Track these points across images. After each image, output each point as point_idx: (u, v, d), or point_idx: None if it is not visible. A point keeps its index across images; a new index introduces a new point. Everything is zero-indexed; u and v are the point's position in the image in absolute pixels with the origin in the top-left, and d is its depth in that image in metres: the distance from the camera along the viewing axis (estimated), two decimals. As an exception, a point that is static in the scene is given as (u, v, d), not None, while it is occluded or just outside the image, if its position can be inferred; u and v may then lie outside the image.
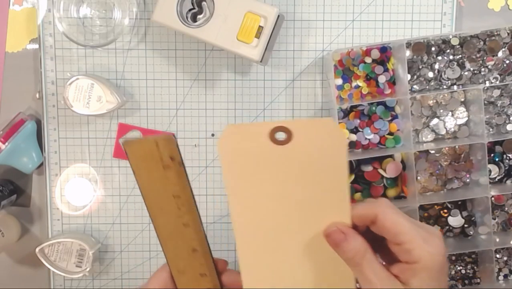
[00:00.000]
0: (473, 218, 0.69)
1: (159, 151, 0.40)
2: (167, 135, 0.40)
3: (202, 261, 0.44)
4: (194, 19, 0.59)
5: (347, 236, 0.39)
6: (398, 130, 0.67)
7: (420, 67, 0.67)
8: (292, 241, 0.41)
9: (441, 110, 0.68)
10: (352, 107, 0.67)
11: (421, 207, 0.68)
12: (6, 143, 0.64)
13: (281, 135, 0.38)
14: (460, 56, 0.66)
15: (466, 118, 0.68)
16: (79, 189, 0.69)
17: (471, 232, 0.69)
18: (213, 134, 0.68)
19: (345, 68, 0.67)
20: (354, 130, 0.67)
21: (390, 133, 0.67)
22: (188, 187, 0.42)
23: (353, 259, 0.39)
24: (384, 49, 0.66)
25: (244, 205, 0.40)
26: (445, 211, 0.69)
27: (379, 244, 0.41)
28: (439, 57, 0.66)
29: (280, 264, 0.42)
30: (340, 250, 0.40)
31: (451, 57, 0.66)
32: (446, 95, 0.68)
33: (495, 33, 0.66)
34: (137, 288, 0.44)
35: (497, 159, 0.68)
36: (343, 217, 0.40)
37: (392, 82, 0.67)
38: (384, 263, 0.42)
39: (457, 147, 0.68)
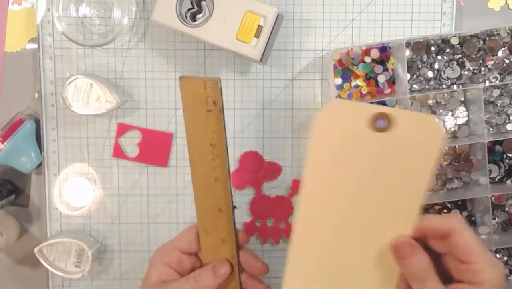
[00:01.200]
0: (473, 218, 0.69)
1: (206, 91, 0.41)
2: (214, 78, 0.41)
3: (225, 224, 0.45)
4: (194, 18, 0.59)
5: (414, 250, 0.39)
6: (397, 130, 0.67)
7: (420, 66, 0.66)
8: (351, 239, 0.39)
9: (441, 110, 0.68)
10: (352, 107, 0.67)
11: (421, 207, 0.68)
12: (5, 143, 0.64)
13: (380, 123, 0.37)
14: (460, 55, 0.66)
15: (466, 118, 0.68)
16: (78, 189, 0.69)
17: (471, 232, 0.69)
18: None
19: (345, 67, 0.67)
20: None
21: (390, 133, 0.67)
22: (223, 137, 0.43)
23: (416, 274, 0.38)
24: (384, 49, 0.66)
25: (319, 185, 0.39)
26: (445, 211, 0.69)
27: (434, 261, 0.40)
28: (439, 57, 0.66)
29: (331, 259, 0.40)
30: (404, 263, 0.39)
31: (450, 56, 0.66)
32: (446, 94, 0.68)
33: (495, 33, 0.66)
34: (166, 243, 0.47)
35: (497, 159, 0.68)
36: (407, 226, 0.38)
37: (391, 81, 0.67)
38: None
39: (457, 146, 0.68)
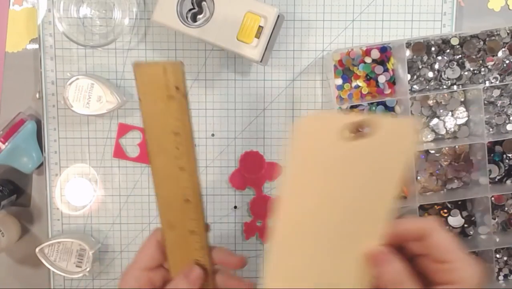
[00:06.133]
0: (473, 218, 0.69)
1: (166, 77, 0.38)
2: (175, 61, 0.38)
3: (193, 215, 0.42)
4: (194, 19, 0.59)
5: (389, 257, 0.39)
6: (398, 130, 0.67)
7: (420, 67, 0.67)
8: (329, 244, 0.40)
9: (441, 110, 0.68)
10: (352, 107, 0.67)
11: (421, 207, 0.68)
12: (6, 144, 0.64)
13: (357, 130, 0.37)
14: (460, 56, 0.66)
15: (466, 118, 0.68)
16: (79, 189, 0.69)
17: (471, 232, 0.69)
18: (213, 134, 0.68)
19: (345, 68, 0.67)
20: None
21: (390, 133, 0.67)
22: (188, 124, 0.40)
23: (391, 280, 0.38)
24: (384, 49, 0.66)
25: (295, 194, 0.39)
26: (445, 211, 0.69)
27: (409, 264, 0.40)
28: (439, 57, 0.66)
29: (308, 263, 0.41)
30: (380, 271, 0.39)
31: (451, 57, 0.66)
32: (446, 95, 0.68)
33: (495, 33, 0.66)
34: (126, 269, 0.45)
35: (497, 159, 0.68)
36: (381, 230, 0.39)
37: (392, 82, 0.67)
38: None
39: (457, 146, 0.68)
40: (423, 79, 0.67)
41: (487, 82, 0.67)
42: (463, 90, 0.67)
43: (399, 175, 0.38)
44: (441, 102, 0.68)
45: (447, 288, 0.39)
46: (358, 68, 0.66)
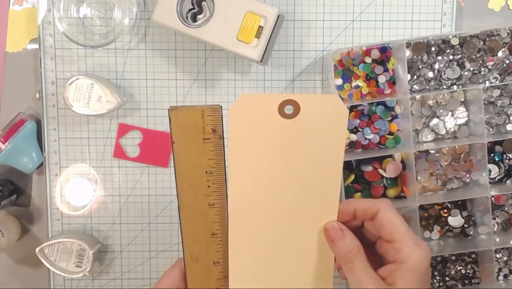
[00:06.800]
0: (473, 218, 0.69)
1: (204, 121, 0.39)
2: (214, 105, 0.39)
3: (219, 247, 0.43)
4: (194, 19, 0.59)
5: (344, 233, 0.41)
6: (398, 130, 0.67)
7: (420, 67, 0.67)
8: (284, 226, 0.41)
9: (441, 110, 0.68)
10: (352, 107, 0.67)
11: (421, 207, 0.68)
12: (6, 144, 0.64)
13: (289, 109, 0.39)
14: (460, 56, 0.66)
15: (466, 118, 0.68)
16: (79, 189, 0.69)
17: (471, 232, 0.69)
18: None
19: (345, 68, 0.67)
20: (354, 130, 0.67)
21: (390, 133, 0.67)
22: (223, 162, 0.41)
23: (345, 256, 0.40)
24: (384, 49, 0.66)
25: (243, 177, 0.40)
26: (445, 211, 0.69)
27: (367, 249, 0.42)
28: (439, 57, 0.66)
29: (267, 245, 0.42)
30: (335, 246, 0.41)
31: (451, 57, 0.66)
32: (446, 95, 0.68)
33: (495, 33, 0.66)
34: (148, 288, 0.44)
35: (497, 159, 0.68)
36: (333, 205, 0.41)
37: (392, 82, 0.67)
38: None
39: (457, 146, 0.68)
40: (423, 79, 0.67)
41: (487, 82, 0.67)
42: (463, 90, 0.67)
43: (342, 144, 0.39)
44: (441, 102, 0.68)
45: (392, 267, 0.40)
46: (358, 68, 0.66)
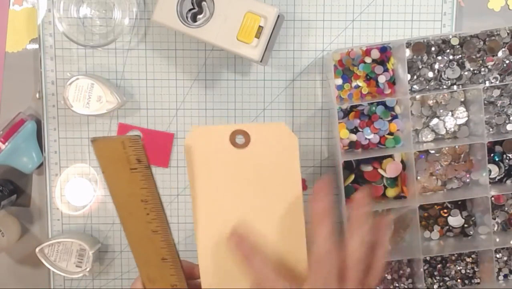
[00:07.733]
0: (473, 218, 0.69)
1: (126, 151, 0.39)
2: (133, 136, 0.39)
3: (172, 271, 0.43)
4: (194, 19, 0.59)
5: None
6: (398, 130, 0.67)
7: (420, 67, 0.67)
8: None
9: (441, 110, 0.68)
10: (352, 107, 0.67)
11: (421, 207, 0.68)
12: (6, 144, 0.64)
13: (241, 138, 0.40)
14: (460, 56, 0.66)
15: (466, 118, 0.68)
16: (79, 189, 0.69)
17: (471, 232, 0.69)
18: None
19: (345, 68, 0.67)
20: (354, 130, 0.67)
21: (390, 133, 0.67)
22: (156, 191, 0.41)
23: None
24: (384, 49, 0.66)
25: (206, 205, 0.41)
26: (445, 211, 0.69)
27: None
28: (439, 57, 0.66)
29: (236, 275, 0.42)
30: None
31: (451, 57, 0.66)
32: (446, 95, 0.68)
33: (495, 33, 0.66)
34: None
35: (497, 159, 0.68)
36: (297, 225, 0.41)
37: (392, 82, 0.67)
38: None
39: (457, 146, 0.68)
40: (423, 79, 0.67)
41: (487, 82, 0.67)
42: (463, 90, 0.67)
43: (295, 177, 0.40)
44: (441, 102, 0.68)
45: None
46: (358, 68, 0.66)
